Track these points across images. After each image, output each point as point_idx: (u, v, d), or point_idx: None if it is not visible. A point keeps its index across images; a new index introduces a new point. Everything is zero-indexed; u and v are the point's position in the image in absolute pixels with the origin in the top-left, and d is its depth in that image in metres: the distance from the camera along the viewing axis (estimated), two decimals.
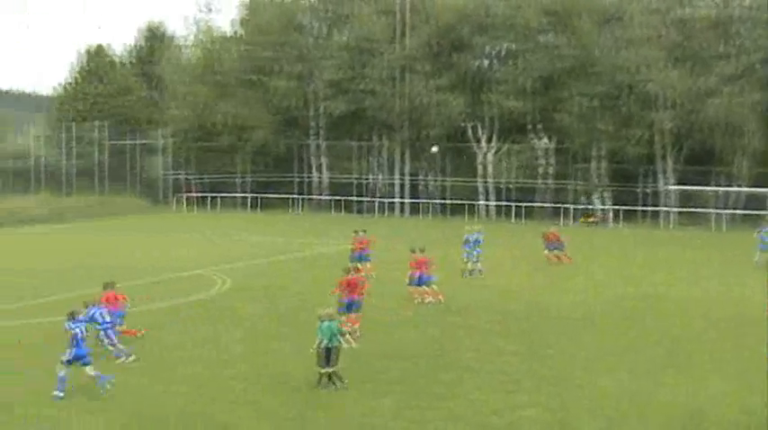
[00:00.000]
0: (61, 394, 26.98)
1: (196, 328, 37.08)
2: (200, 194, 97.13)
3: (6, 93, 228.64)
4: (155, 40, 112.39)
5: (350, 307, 35.50)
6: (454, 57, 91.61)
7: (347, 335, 32.23)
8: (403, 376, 29.07)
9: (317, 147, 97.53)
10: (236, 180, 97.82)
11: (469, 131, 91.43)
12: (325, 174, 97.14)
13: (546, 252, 55.34)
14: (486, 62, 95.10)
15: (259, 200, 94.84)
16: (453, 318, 38.69)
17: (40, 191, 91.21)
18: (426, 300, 41.93)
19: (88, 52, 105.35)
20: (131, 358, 31.49)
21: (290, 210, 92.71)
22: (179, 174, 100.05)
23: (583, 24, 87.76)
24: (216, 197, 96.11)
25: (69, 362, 27.39)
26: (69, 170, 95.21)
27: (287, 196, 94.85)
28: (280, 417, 25.08)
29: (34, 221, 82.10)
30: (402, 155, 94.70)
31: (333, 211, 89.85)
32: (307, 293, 43.75)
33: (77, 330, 27.64)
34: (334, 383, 27.80)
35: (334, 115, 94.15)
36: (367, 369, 30.01)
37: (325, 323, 28.02)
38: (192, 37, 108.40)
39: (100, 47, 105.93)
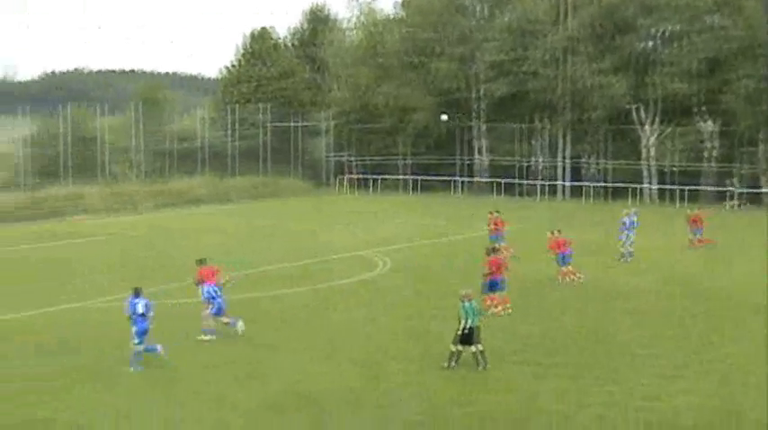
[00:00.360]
0: (138, 369, 28.24)
1: (358, 308, 37.59)
2: (361, 176, 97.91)
3: (174, 75, 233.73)
4: (317, 22, 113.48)
5: (493, 286, 36.11)
6: (618, 38, 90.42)
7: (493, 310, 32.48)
8: (564, 360, 29.03)
9: (478, 129, 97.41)
10: (397, 162, 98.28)
11: (633, 114, 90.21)
12: (487, 157, 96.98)
13: (690, 236, 54.56)
14: (650, 44, 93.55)
15: (419, 182, 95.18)
16: (612, 302, 38.42)
17: (205, 172, 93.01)
18: (568, 280, 42.49)
19: (252, 35, 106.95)
20: (212, 337, 32.30)
21: (450, 193, 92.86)
22: (341, 156, 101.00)
23: (749, 4, 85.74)
24: (377, 179, 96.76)
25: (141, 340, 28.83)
26: (233, 152, 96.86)
27: (447, 178, 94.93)
28: (443, 398, 25.30)
29: (200, 202, 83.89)
30: (564, 137, 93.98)
31: (494, 194, 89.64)
32: (466, 275, 43.83)
33: (139, 306, 29.12)
34: (478, 363, 28.04)
35: (496, 97, 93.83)
36: (529, 352, 30.07)
37: (467, 303, 28.31)
38: (354, 19, 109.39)
39: (264, 30, 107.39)
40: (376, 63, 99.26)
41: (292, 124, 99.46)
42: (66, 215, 73.73)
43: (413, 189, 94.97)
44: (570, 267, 43.12)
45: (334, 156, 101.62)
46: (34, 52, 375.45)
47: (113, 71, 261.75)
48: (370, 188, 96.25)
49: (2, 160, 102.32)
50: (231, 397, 25.44)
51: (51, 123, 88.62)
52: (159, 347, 29.24)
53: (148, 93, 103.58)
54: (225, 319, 32.76)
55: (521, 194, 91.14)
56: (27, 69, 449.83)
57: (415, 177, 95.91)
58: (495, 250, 38.86)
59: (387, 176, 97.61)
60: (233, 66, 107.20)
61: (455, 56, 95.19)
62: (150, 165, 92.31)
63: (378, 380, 27.10)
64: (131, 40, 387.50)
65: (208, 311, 32.82)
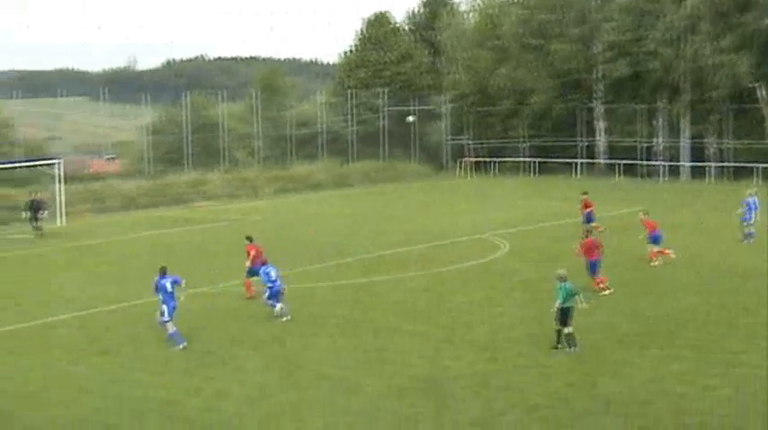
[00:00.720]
0: (183, 345, 29.64)
1: (479, 291, 37.67)
2: (480, 159, 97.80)
3: (293, 61, 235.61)
4: (435, 5, 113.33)
5: (594, 268, 36.44)
6: (739, 16, 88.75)
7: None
8: (687, 342, 28.80)
9: (598, 110, 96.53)
10: (516, 145, 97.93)
11: (756, 92, 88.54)
12: (606, 138, 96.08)
13: None
14: None
15: (538, 164, 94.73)
16: (734, 284, 37.92)
17: (324, 157, 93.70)
18: (657, 262, 42.01)
19: (371, 20, 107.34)
20: (286, 318, 33.13)
21: (570, 175, 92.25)
22: (459, 139, 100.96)
23: None
24: (496, 162, 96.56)
25: (171, 317, 30.23)
26: (352, 137, 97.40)
27: (566, 160, 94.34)
28: (565, 380, 25.31)
29: (319, 187, 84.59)
30: (684, 117, 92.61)
31: (616, 176, 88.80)
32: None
33: (167, 285, 30.39)
34: (568, 344, 28.06)
35: (615, 78, 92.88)
36: (651, 334, 29.88)
37: (563, 284, 28.38)
38: (471, 2, 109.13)
39: (382, 14, 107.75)
40: (494, 45, 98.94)
41: (411, 108, 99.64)
42: (189, 201, 74.98)
43: (532, 171, 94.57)
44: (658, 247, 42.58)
45: (453, 139, 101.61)
46: (155, 41, 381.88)
47: (233, 58, 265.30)
48: (489, 171, 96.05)
49: (126, 148, 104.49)
50: (356, 381, 25.75)
51: (173, 111, 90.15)
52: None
53: (268, 79, 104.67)
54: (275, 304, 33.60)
55: (642, 176, 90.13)
56: (149, 58, 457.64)
57: (535, 160, 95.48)
58: (589, 232, 39.06)
59: (506, 159, 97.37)
60: (351, 51, 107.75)
61: (574, 37, 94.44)
62: (270, 150, 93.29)
63: (499, 363, 27.20)
64: (251, 27, 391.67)
65: (266, 295, 33.78)
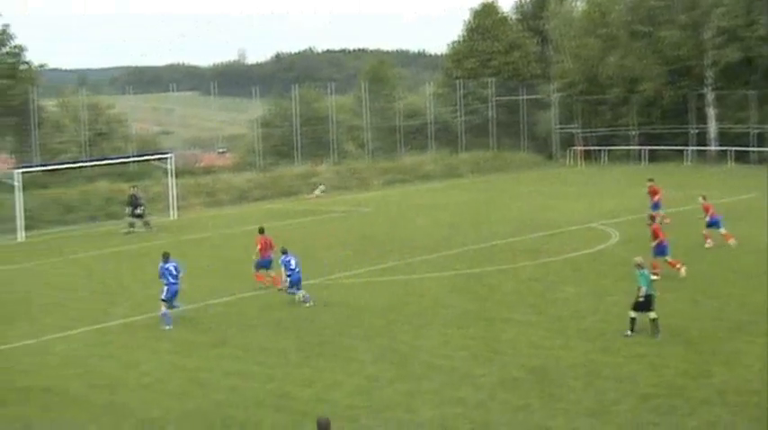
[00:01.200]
0: (168, 327, 32.10)
1: (589, 281, 37.46)
2: (589, 148, 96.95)
3: (400, 53, 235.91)
4: None
5: (662, 251, 37.09)
6: None
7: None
8: None
9: (708, 97, 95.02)
10: (626, 132, 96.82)
11: None
12: (717, 125, 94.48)
13: None
14: None
15: (648, 152, 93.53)
16: None
17: (433, 148, 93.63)
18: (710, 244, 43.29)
19: (478, 10, 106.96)
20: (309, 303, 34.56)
21: (681, 162, 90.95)
22: (568, 128, 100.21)
23: None
24: (606, 150, 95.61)
25: (168, 300, 32.75)
26: (461, 127, 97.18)
27: (677, 148, 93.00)
28: (678, 370, 25.06)
29: (429, 178, 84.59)
30: None
31: (727, 162, 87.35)
32: (694, 246, 43.11)
33: (171, 268, 32.98)
34: (656, 329, 28.44)
35: (725, 64, 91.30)
36: (762, 322, 29.42)
37: (642, 271, 29.16)
38: None
39: (490, 4, 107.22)
40: (602, 33, 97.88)
41: (519, 97, 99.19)
42: (301, 193, 75.56)
43: (642, 159, 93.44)
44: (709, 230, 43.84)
45: (562, 128, 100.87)
46: (264, 35, 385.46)
47: (341, 50, 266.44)
48: (599, 160, 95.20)
49: (236, 142, 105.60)
50: (467, 372, 25.78)
51: (282, 104, 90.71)
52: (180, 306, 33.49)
53: (376, 71, 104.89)
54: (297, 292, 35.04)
55: (754, 162, 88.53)
56: (258, 52, 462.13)
57: (645, 147, 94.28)
58: (652, 218, 40.23)
59: (615, 147, 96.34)
60: (459, 41, 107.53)
61: (683, 23, 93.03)
62: (379, 142, 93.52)
63: (610, 353, 27.03)
64: (358, 19, 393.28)
65: (286, 284, 34.96)
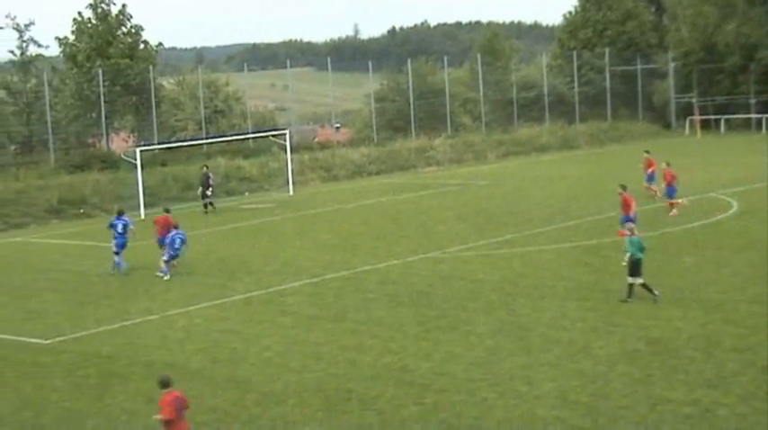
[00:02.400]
0: (114, 272, 38.72)
1: (708, 251, 37.02)
2: (707, 117, 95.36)
3: (515, 24, 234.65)
4: None
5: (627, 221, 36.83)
6: None
7: None
8: None
9: None
10: (744, 101, 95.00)
11: None
12: None
13: None
14: None
15: (767, 121, 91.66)
16: None
17: (548, 120, 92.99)
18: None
19: None
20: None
21: None
22: (685, 97, 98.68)
23: None
24: (723, 119, 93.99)
25: (117, 252, 38.89)
26: (577, 98, 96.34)
27: None
28: None
29: (545, 150, 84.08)
30: None
31: None
32: None
33: (120, 225, 38.80)
34: (629, 295, 29.70)
35: None
36: None
37: (631, 237, 30.33)
38: None
39: None
40: (719, 1, 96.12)
41: (635, 67, 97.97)
42: (416, 167, 75.66)
43: (763, 128, 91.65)
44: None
45: (679, 97, 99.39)
46: (378, 10, 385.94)
47: (455, 23, 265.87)
48: (717, 129, 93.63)
49: (352, 116, 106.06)
50: (586, 344, 25.65)
51: (397, 78, 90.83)
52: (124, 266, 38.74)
53: (491, 43, 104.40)
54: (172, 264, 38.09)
55: None
56: (372, 27, 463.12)
57: (764, 116, 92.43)
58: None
59: (734, 116, 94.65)
60: (574, 12, 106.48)
61: None
62: (494, 114, 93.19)
63: (730, 324, 26.69)
64: None
65: (166, 257, 38.01)
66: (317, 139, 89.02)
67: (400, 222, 48.82)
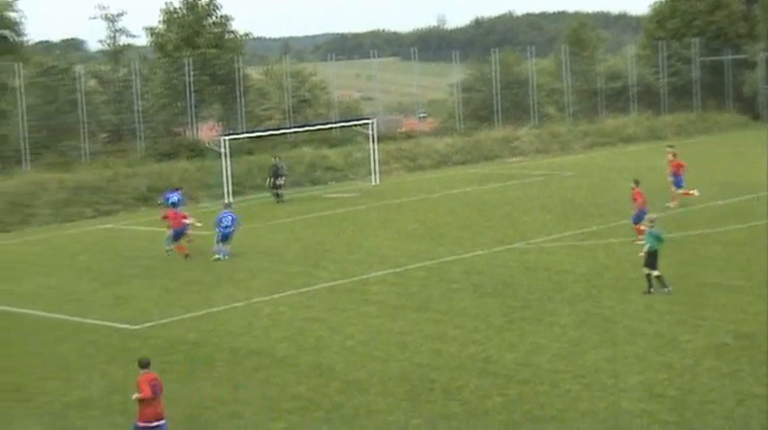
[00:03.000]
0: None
1: None
2: None
3: (601, 14, 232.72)
4: None
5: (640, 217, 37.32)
6: None
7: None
8: None
9: None
10: None
11: None
12: None
13: None
14: None
15: None
16: None
17: (635, 110, 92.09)
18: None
19: None
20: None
21: None
22: None
23: None
24: None
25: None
26: (664, 89, 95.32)
27: None
28: None
29: (631, 140, 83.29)
30: None
31: None
32: None
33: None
34: (662, 284, 29.82)
35: None
36: None
37: (651, 229, 30.90)
38: None
39: None
40: None
41: (725, 58, 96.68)
42: (501, 157, 75.44)
43: None
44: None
45: None
46: (462, 0, 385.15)
47: (541, 13, 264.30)
48: None
49: (437, 106, 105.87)
50: (673, 337, 25.42)
51: (482, 68, 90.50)
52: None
53: (577, 33, 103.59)
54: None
55: None
56: (457, 17, 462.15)
57: None
58: (637, 182, 40.91)
59: None
60: (662, 1, 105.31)
61: None
62: (579, 105, 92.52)
63: None
64: None
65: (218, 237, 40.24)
66: (401, 129, 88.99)
67: (485, 212, 48.70)
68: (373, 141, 63.84)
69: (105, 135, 72.00)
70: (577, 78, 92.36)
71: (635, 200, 39.79)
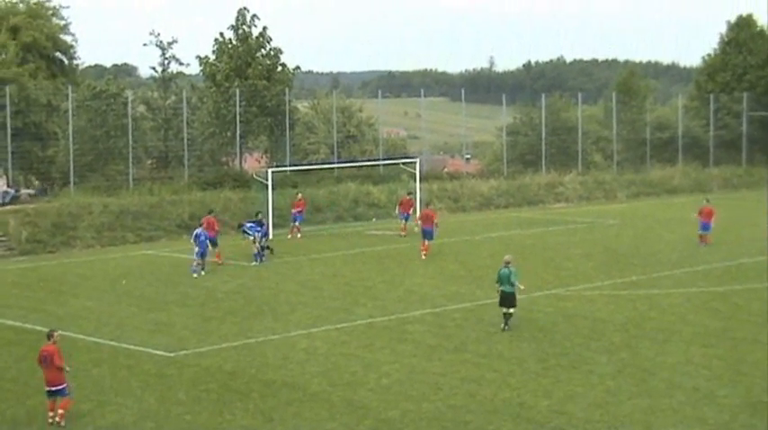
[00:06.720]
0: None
1: None
2: None
3: (651, 64, 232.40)
4: None
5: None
6: None
7: None
8: None
9: None
10: None
11: None
12: None
13: None
14: None
15: None
16: None
17: (682, 162, 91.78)
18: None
19: (735, 23, 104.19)
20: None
21: None
22: None
23: None
24: None
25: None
26: (712, 141, 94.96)
27: None
28: None
29: (677, 192, 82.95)
30: None
31: None
32: None
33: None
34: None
35: None
36: None
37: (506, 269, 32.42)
38: None
39: (747, 17, 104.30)
40: None
41: None
42: (544, 202, 75.29)
43: None
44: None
45: None
46: (514, 44, 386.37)
47: (591, 60, 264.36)
48: None
49: (483, 148, 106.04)
50: (710, 392, 25.22)
51: (530, 112, 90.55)
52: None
53: (626, 82, 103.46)
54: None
55: None
56: (507, 60, 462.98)
57: None
58: (708, 200, 46.37)
59: None
60: (713, 54, 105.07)
61: None
62: (626, 154, 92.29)
63: None
64: (610, 29, 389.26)
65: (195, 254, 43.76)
66: (446, 169, 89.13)
67: (526, 257, 48.50)
68: (418, 180, 63.86)
69: (151, 161, 72.52)
70: (625, 127, 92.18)
71: (708, 214, 49.57)
